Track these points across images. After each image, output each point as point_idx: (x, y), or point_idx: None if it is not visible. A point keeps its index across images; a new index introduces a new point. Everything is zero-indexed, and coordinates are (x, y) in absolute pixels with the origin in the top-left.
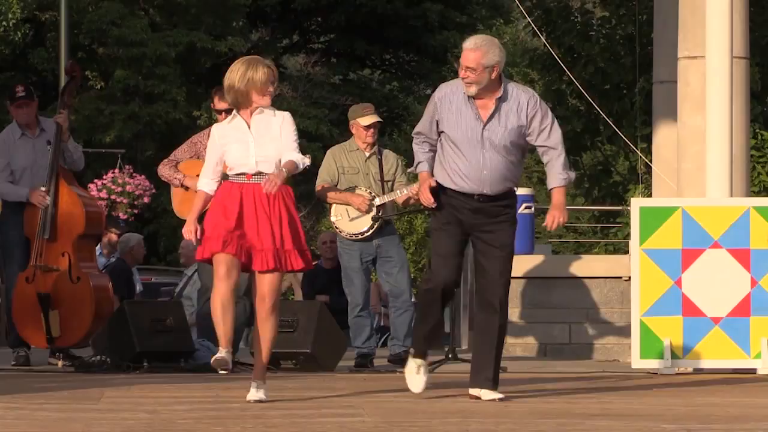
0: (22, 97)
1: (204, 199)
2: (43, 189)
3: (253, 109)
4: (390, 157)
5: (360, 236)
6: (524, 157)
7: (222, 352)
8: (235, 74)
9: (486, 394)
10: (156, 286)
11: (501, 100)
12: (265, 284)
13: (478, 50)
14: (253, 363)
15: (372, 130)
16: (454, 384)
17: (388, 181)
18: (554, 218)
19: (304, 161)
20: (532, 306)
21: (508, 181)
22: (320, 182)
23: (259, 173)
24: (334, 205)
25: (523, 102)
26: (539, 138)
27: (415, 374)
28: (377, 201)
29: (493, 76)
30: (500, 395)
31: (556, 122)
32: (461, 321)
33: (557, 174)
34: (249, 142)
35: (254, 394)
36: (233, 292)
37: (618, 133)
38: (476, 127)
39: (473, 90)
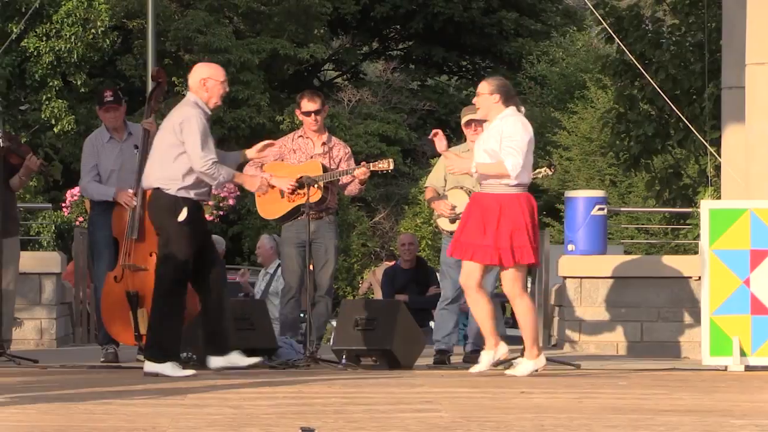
0: (109, 102)
1: None
2: (131, 191)
3: None
4: None
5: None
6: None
7: None
8: None
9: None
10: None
11: None
12: None
13: None
14: (333, 360)
15: (473, 127)
16: (529, 380)
17: None
18: None
19: None
20: (606, 305)
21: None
22: (427, 184)
23: None
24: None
25: None
26: None
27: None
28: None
29: None
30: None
31: None
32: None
33: None
34: None
35: None
36: None
37: (690, 136)
38: None
39: None
